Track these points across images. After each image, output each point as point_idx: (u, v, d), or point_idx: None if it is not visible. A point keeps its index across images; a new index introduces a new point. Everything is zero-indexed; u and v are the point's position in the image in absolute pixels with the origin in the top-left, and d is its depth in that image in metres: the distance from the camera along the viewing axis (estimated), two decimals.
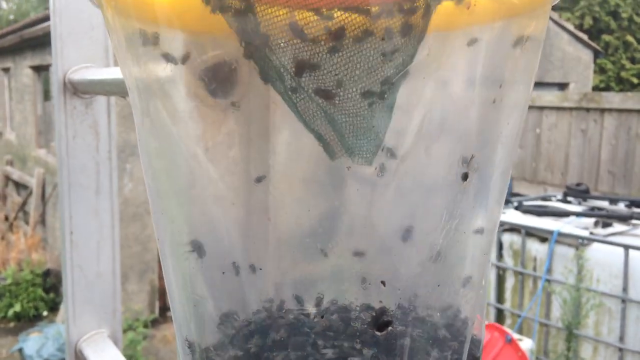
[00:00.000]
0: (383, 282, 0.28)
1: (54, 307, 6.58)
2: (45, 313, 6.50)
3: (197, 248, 0.34)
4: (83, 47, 0.77)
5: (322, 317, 0.31)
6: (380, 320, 0.28)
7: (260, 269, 0.33)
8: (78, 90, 0.76)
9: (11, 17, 19.65)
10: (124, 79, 0.37)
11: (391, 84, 0.29)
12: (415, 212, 0.29)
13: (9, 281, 6.42)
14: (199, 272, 0.32)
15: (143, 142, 0.36)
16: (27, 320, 6.33)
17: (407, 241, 0.29)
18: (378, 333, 0.28)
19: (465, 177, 0.28)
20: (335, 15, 0.27)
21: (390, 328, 0.28)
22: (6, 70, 9.45)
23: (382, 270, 0.29)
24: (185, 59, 0.34)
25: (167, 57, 0.34)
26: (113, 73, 0.69)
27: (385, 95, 0.30)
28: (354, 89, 0.30)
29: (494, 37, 0.28)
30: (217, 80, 0.35)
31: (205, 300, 0.31)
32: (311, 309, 0.32)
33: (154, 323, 5.92)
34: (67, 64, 0.76)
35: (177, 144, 0.35)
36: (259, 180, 0.35)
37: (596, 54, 9.58)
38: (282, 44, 0.29)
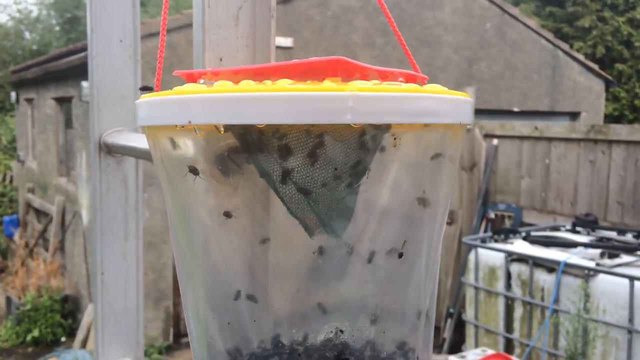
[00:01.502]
0: (341, 330, 0.40)
1: (71, 333, 6.69)
2: (63, 339, 6.62)
3: (211, 301, 0.45)
4: (116, 113, 0.90)
5: (305, 352, 0.43)
6: (341, 357, 0.40)
7: (260, 317, 0.44)
8: (111, 150, 0.89)
9: (34, 47, 20.19)
10: (155, 164, 0.48)
11: (352, 186, 0.41)
12: (365, 277, 0.40)
13: (28, 307, 6.56)
14: (212, 319, 0.44)
15: (172, 213, 0.47)
16: (45, 346, 6.44)
17: (358, 291, 0.40)
18: None
19: (400, 255, 0.39)
20: (307, 135, 0.39)
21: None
22: (29, 100, 9.75)
23: (340, 320, 0.40)
24: (202, 149, 0.45)
25: (190, 148, 0.45)
26: (140, 140, 0.81)
27: (350, 192, 0.41)
28: (326, 189, 0.41)
29: (421, 151, 0.40)
30: (228, 164, 0.46)
31: (215, 341, 0.43)
32: (297, 347, 0.43)
33: (168, 349, 6.01)
34: (102, 127, 0.89)
35: (194, 216, 0.46)
36: (263, 242, 0.46)
37: (608, 83, 9.65)
38: (270, 158, 0.41)
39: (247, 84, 0.35)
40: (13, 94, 11.01)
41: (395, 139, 0.37)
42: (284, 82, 0.35)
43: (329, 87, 0.34)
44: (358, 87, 0.34)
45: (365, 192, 0.39)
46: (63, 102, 7.99)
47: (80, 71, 6.63)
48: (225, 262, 0.47)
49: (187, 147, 0.45)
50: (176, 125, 0.37)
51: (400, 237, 0.40)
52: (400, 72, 0.42)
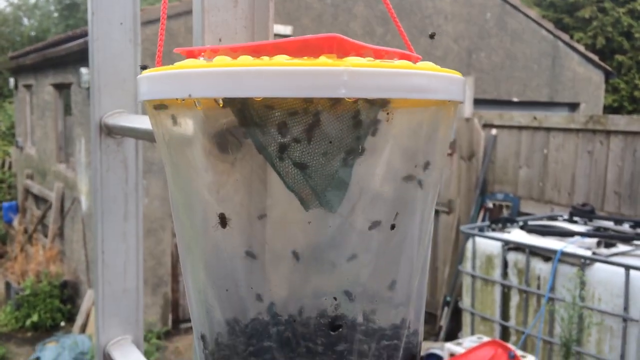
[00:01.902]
0: (335, 298, 0.41)
1: (70, 318, 6.73)
2: (62, 324, 6.66)
3: (208, 269, 0.46)
4: (116, 96, 0.91)
5: (300, 321, 0.44)
6: (335, 324, 0.41)
7: (252, 289, 0.46)
8: (111, 131, 0.90)
9: (32, 33, 20.10)
10: (157, 141, 0.50)
11: (346, 160, 0.42)
12: (358, 248, 0.42)
13: (27, 292, 6.59)
14: (210, 287, 0.45)
15: (172, 186, 0.49)
16: (44, 331, 6.48)
17: (352, 262, 0.41)
18: (332, 333, 0.41)
19: (392, 227, 0.41)
20: (303, 110, 0.40)
21: (340, 330, 0.41)
22: (28, 87, 9.73)
23: (339, 289, 0.42)
24: (201, 125, 0.46)
25: (189, 125, 0.46)
26: (140, 121, 0.82)
27: (343, 167, 0.43)
28: (320, 163, 0.43)
29: (413, 127, 0.41)
30: (226, 141, 0.47)
31: (213, 308, 0.44)
32: (293, 317, 0.45)
33: (167, 335, 6.05)
34: (102, 109, 0.90)
35: (194, 191, 0.48)
36: (260, 217, 0.48)
37: (607, 74, 9.64)
38: (267, 133, 0.42)
39: (246, 59, 0.36)
40: (11, 80, 10.98)
41: (388, 114, 0.38)
42: (281, 58, 0.36)
43: (325, 62, 0.35)
44: (352, 63, 0.35)
45: (359, 166, 0.41)
46: (62, 88, 7.98)
47: (79, 57, 6.62)
48: (224, 236, 0.48)
49: (187, 123, 0.46)
50: (177, 99, 0.38)
51: (393, 210, 0.41)
52: (394, 52, 0.43)
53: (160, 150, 0.47)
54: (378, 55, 0.42)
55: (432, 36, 0.40)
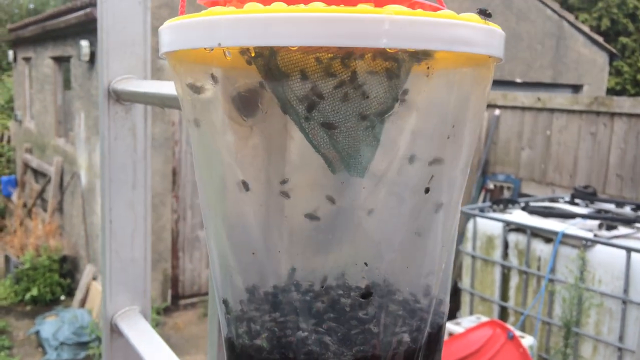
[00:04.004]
0: (365, 264, 0.39)
1: (70, 293, 6.76)
2: (62, 298, 6.68)
3: (229, 233, 0.45)
4: (125, 60, 0.88)
5: (324, 289, 0.42)
6: (365, 292, 0.39)
7: (277, 254, 0.44)
8: (120, 98, 0.88)
9: (31, 6, 19.87)
10: (179, 100, 0.47)
11: (379, 118, 0.40)
12: (390, 212, 0.40)
13: (27, 266, 6.61)
14: (230, 252, 0.44)
15: (194, 147, 0.47)
16: (44, 304, 6.51)
17: (383, 228, 0.40)
18: (362, 300, 0.39)
19: (427, 190, 0.38)
20: (336, 63, 0.38)
21: (371, 297, 0.39)
22: (27, 59, 9.64)
23: (367, 256, 0.40)
24: (222, 86, 0.44)
25: (209, 85, 0.44)
26: (150, 86, 0.80)
27: (374, 127, 0.41)
28: (351, 122, 0.41)
29: (452, 83, 0.39)
30: (245, 104, 0.45)
31: (234, 271, 0.43)
32: (316, 284, 0.43)
33: (166, 310, 6.08)
34: (111, 74, 0.88)
35: (215, 152, 0.46)
36: (283, 182, 0.46)
37: (612, 57, 9.56)
38: (295, 86, 0.40)
39: (279, 5, 0.34)
40: (10, 53, 10.87)
41: (429, 68, 0.36)
42: (318, 4, 0.34)
43: (365, 9, 0.32)
44: (395, 11, 0.33)
45: (392, 125, 0.38)
46: (61, 61, 7.90)
47: (79, 30, 6.54)
48: (244, 200, 0.46)
49: (208, 83, 0.44)
50: (205, 49, 0.35)
51: (427, 172, 0.39)
52: (429, 5, 0.41)
53: (182, 107, 0.44)
54: (412, 6, 0.40)
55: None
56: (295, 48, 0.34)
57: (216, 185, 0.46)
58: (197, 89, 0.44)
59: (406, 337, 0.41)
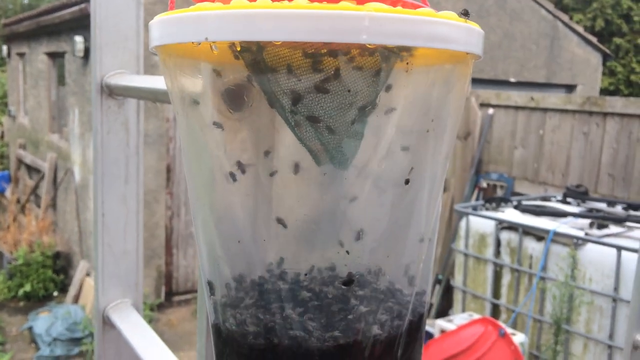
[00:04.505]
0: (347, 252, 0.41)
1: (63, 289, 6.75)
2: (55, 294, 6.67)
3: (217, 222, 0.46)
4: (118, 55, 0.89)
5: (308, 277, 0.44)
6: (346, 279, 0.41)
7: (263, 243, 0.45)
8: (113, 92, 0.89)
9: (25, 1, 19.78)
10: (169, 94, 0.49)
11: (363, 112, 0.41)
12: (372, 203, 0.41)
13: (20, 262, 6.59)
14: (218, 241, 0.45)
15: (183, 139, 0.48)
16: (37, 300, 6.50)
17: (364, 217, 0.41)
18: (344, 287, 0.41)
19: (407, 182, 0.40)
20: (321, 58, 0.39)
21: (352, 285, 0.41)
22: (21, 55, 9.60)
23: (349, 245, 0.41)
24: (210, 80, 0.46)
25: (197, 79, 0.46)
26: (142, 80, 0.81)
27: (359, 121, 0.42)
28: (336, 116, 0.42)
29: (431, 79, 0.40)
30: (233, 98, 0.46)
31: (221, 260, 0.44)
32: (301, 272, 0.44)
33: (160, 307, 6.08)
34: (104, 69, 0.89)
35: (203, 144, 0.47)
36: (272, 174, 0.47)
37: (605, 57, 9.61)
38: (282, 81, 0.41)
39: (265, 1, 0.35)
40: (4, 48, 10.83)
41: (407, 64, 0.37)
42: (301, 0, 0.35)
43: (346, 6, 0.34)
44: (374, 8, 0.34)
45: (374, 119, 0.40)
46: (56, 57, 7.88)
47: (73, 25, 6.52)
48: (233, 192, 0.48)
49: (196, 77, 0.45)
50: (192, 43, 0.37)
51: (407, 165, 0.41)
52: (411, 3, 0.42)
53: (172, 100, 0.46)
54: (393, 4, 0.41)
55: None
56: (279, 43, 0.36)
57: (205, 176, 0.47)
58: (185, 83, 0.45)
59: (387, 324, 0.42)
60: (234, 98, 0.46)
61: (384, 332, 0.42)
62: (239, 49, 0.37)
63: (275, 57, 0.39)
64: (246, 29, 0.34)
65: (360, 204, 0.41)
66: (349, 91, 0.39)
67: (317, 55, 0.38)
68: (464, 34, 0.38)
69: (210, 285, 0.45)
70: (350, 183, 0.42)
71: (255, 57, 0.40)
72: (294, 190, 0.47)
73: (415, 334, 0.46)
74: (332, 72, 0.38)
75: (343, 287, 0.41)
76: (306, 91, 0.40)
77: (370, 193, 0.41)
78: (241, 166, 0.48)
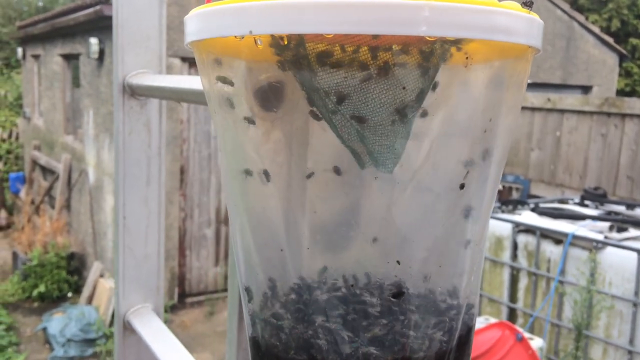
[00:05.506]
0: (398, 262, 0.38)
1: (77, 290, 6.77)
2: (69, 295, 6.70)
3: (253, 229, 0.43)
4: (140, 55, 0.87)
5: (354, 288, 0.41)
6: (396, 291, 0.38)
7: (305, 250, 0.43)
8: (135, 92, 0.87)
9: (40, 3, 19.96)
10: (205, 92, 0.46)
11: (411, 112, 0.38)
12: (423, 209, 0.38)
13: (34, 262, 6.63)
14: (253, 248, 0.42)
15: (219, 139, 0.45)
16: (51, 301, 6.53)
17: (416, 225, 0.38)
18: (394, 299, 0.38)
19: (462, 186, 0.37)
20: (371, 53, 0.36)
21: (403, 297, 0.38)
22: (36, 57, 9.67)
23: (399, 254, 0.38)
24: (247, 78, 0.43)
25: (235, 77, 0.43)
26: (165, 80, 0.79)
27: (405, 121, 0.39)
28: (382, 115, 0.39)
29: (489, 75, 0.37)
30: (269, 97, 0.44)
31: (257, 267, 0.41)
32: (345, 283, 0.42)
33: (173, 308, 6.08)
34: (126, 69, 0.87)
35: (238, 145, 0.45)
36: (309, 176, 0.44)
37: (622, 58, 9.50)
38: (327, 77, 0.39)
39: None
40: (19, 50, 10.92)
41: (467, 58, 0.34)
42: None
43: None
44: None
45: (426, 117, 0.37)
46: (70, 59, 7.92)
47: (88, 27, 6.55)
48: (269, 194, 0.45)
49: (235, 74, 0.42)
50: (235, 37, 0.34)
51: (462, 169, 0.38)
52: None
53: (208, 99, 0.43)
54: None
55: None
56: (330, 36, 0.33)
57: (239, 178, 0.45)
58: (223, 81, 0.43)
59: (437, 339, 0.39)
60: (270, 97, 0.44)
61: (433, 347, 0.40)
62: (285, 42, 0.34)
63: (321, 52, 0.36)
64: (294, 21, 0.32)
65: (410, 210, 0.38)
66: (399, 89, 0.36)
67: (364, 50, 0.35)
68: (525, 25, 0.35)
69: (247, 290, 0.42)
70: (397, 187, 0.39)
71: (299, 51, 0.37)
72: (334, 194, 0.44)
73: (465, 348, 0.43)
74: (381, 68, 0.36)
75: (392, 299, 0.38)
76: (353, 89, 0.37)
77: (421, 198, 0.39)
78: (276, 167, 0.45)
